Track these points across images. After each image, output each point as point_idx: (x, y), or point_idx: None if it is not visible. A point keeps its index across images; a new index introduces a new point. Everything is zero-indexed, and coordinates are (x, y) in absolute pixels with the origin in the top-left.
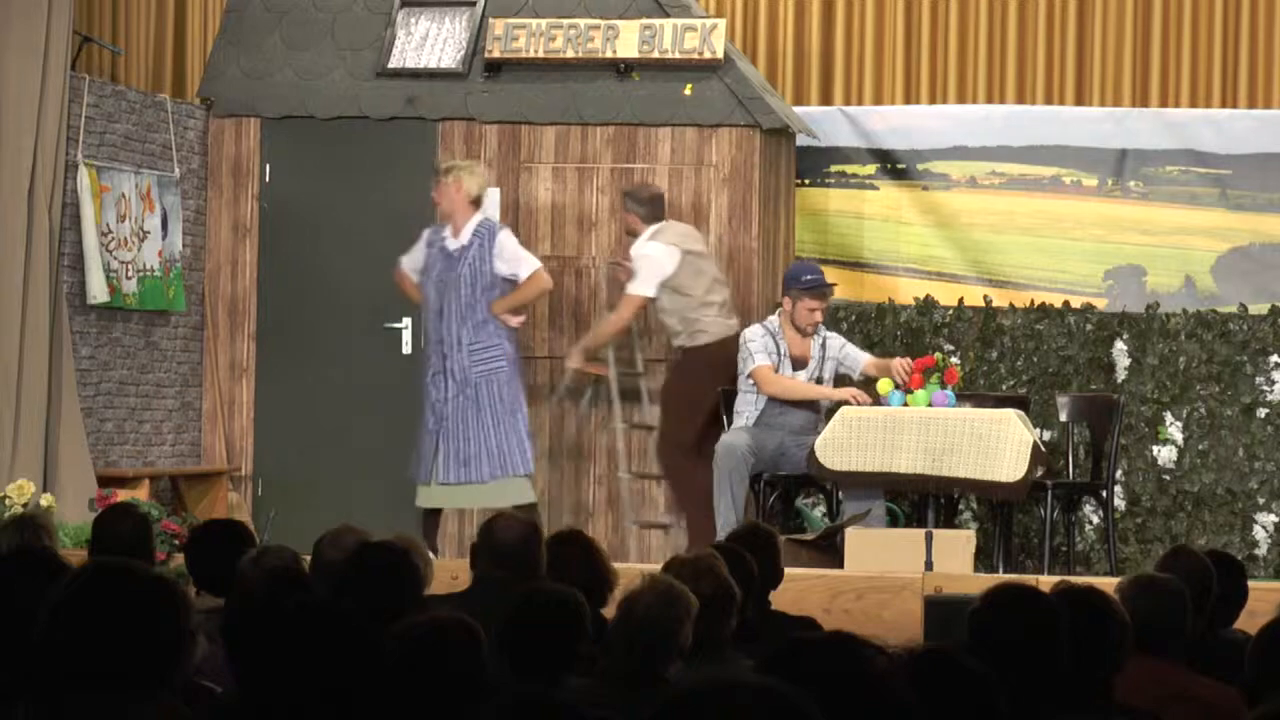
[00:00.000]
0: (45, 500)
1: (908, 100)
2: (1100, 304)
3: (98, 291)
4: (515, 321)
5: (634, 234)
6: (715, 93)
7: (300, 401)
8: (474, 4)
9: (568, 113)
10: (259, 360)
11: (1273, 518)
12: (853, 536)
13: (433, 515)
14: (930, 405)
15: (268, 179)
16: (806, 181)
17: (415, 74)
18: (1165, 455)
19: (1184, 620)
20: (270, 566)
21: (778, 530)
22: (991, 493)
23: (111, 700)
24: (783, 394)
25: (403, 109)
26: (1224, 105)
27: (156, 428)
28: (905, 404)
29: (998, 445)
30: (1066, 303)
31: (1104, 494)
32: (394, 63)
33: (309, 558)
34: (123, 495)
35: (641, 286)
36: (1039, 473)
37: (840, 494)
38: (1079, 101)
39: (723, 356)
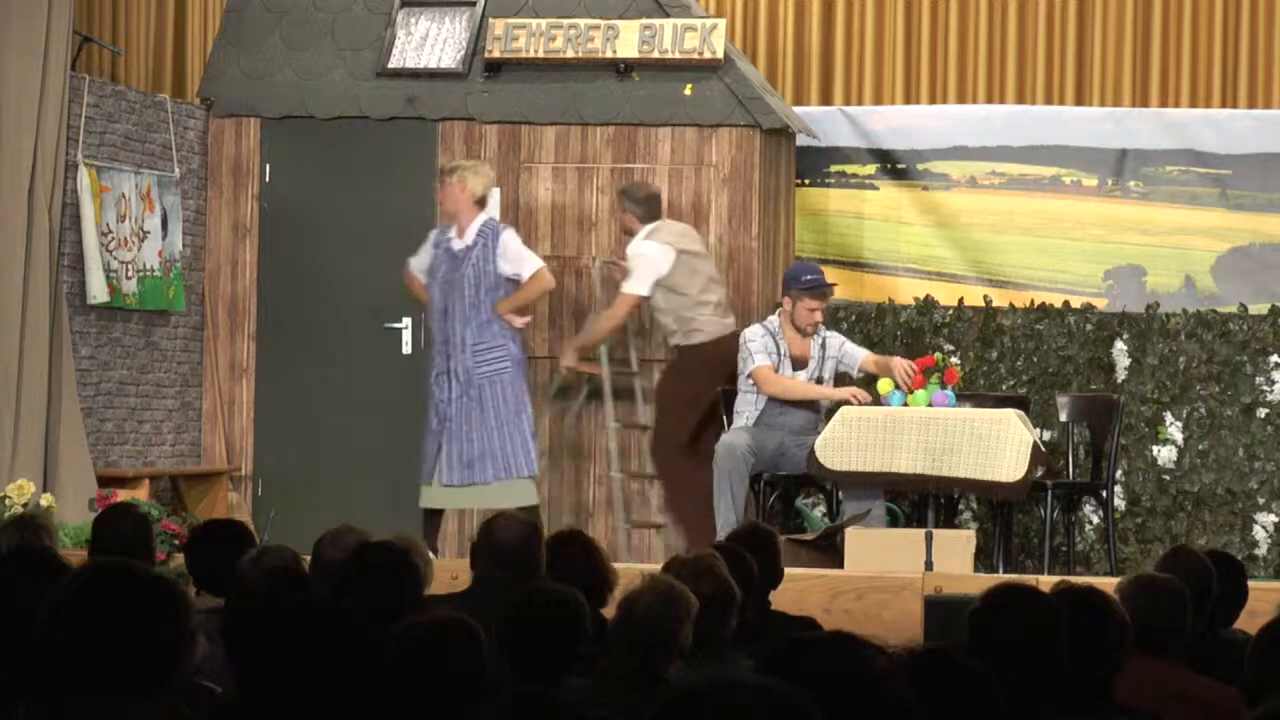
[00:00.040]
0: (45, 500)
1: (908, 100)
2: (1100, 304)
3: (98, 291)
4: (520, 322)
5: (630, 233)
6: (715, 93)
7: (300, 401)
8: (474, 4)
9: (568, 113)
10: (259, 360)
11: (1273, 518)
12: (853, 536)
13: (434, 516)
14: (930, 405)
15: (268, 179)
16: (806, 181)
17: (415, 74)
18: (1165, 455)
19: (1184, 620)
20: (270, 566)
21: (778, 530)
22: (991, 493)
23: (111, 700)
24: (783, 394)
25: (403, 109)
26: (1224, 105)
27: (156, 428)
28: (905, 404)
29: (998, 445)
30: (1066, 303)
31: (1104, 494)
32: (394, 63)
33: (309, 558)
34: (123, 495)
35: (636, 285)
36: (1039, 473)
37: (840, 494)
38: (1079, 101)
39: (718, 355)
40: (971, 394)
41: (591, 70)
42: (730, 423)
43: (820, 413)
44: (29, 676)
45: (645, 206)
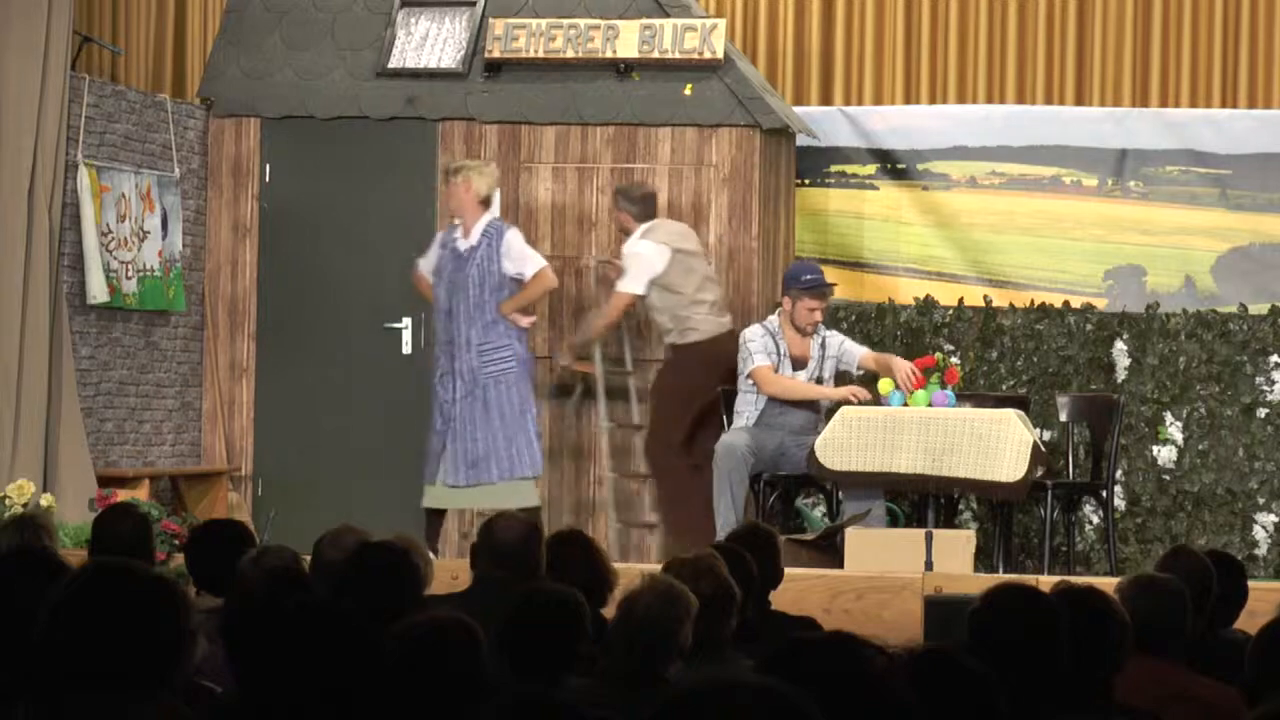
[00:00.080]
0: (45, 500)
1: (908, 100)
2: (1100, 304)
3: (98, 291)
4: (525, 321)
5: (627, 232)
6: (715, 93)
7: (300, 401)
8: (474, 4)
9: (568, 113)
10: (259, 360)
11: (1273, 518)
12: (853, 536)
13: (436, 516)
14: (930, 405)
15: (268, 179)
16: (806, 181)
17: (415, 74)
18: (1165, 455)
19: (1184, 620)
20: (270, 566)
21: (778, 530)
22: (991, 493)
23: (111, 700)
24: (783, 394)
25: (403, 109)
26: (1224, 105)
27: (156, 428)
28: (905, 404)
29: (998, 445)
30: (1066, 303)
31: (1104, 494)
32: (394, 63)
33: (309, 558)
34: (123, 495)
35: (631, 284)
36: (1039, 473)
37: (840, 494)
38: (1079, 101)
39: (714, 354)
40: (971, 394)
41: (591, 70)
42: (730, 423)
43: (820, 413)
44: (29, 676)
45: (641, 205)
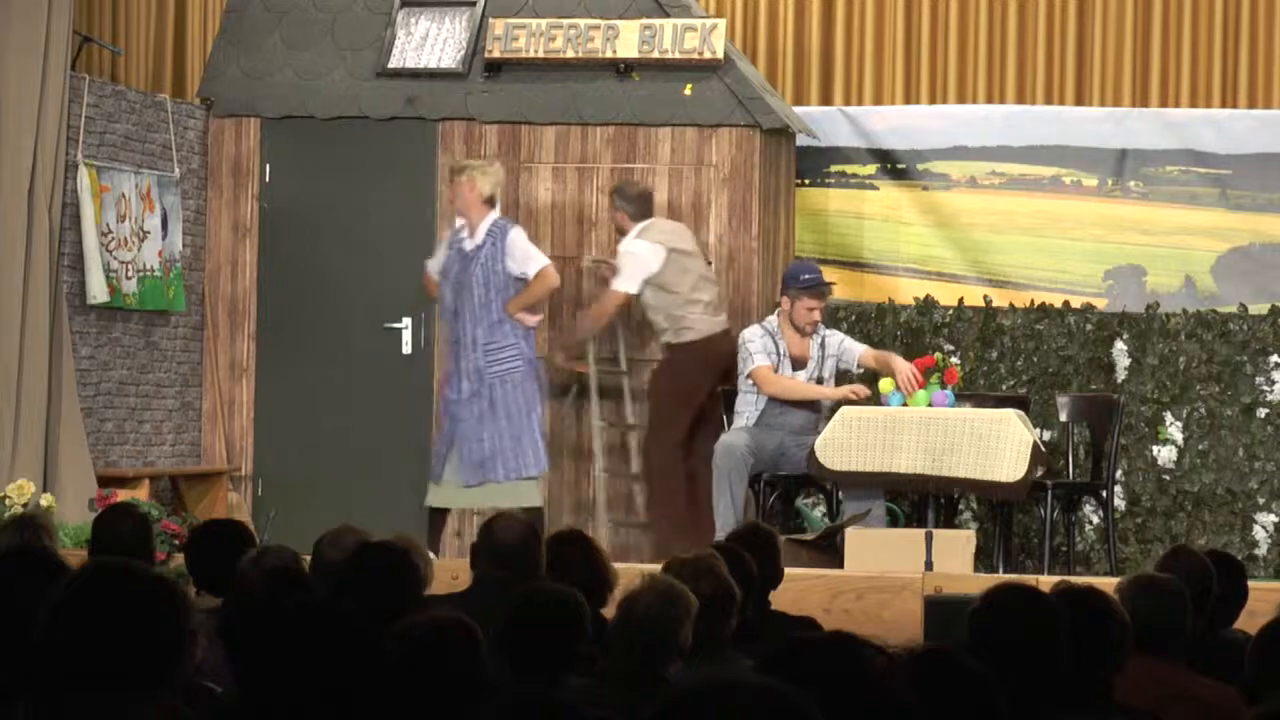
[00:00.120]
0: (45, 500)
1: (908, 100)
2: (1100, 304)
3: (98, 291)
4: (532, 321)
5: (623, 231)
6: (715, 93)
7: (300, 401)
8: (474, 4)
9: (568, 113)
10: (259, 360)
11: (1273, 518)
12: (853, 536)
13: (439, 515)
14: (930, 405)
15: (268, 179)
16: (806, 181)
17: (415, 74)
18: (1165, 455)
19: (1184, 620)
20: (270, 566)
21: (778, 530)
22: (991, 493)
23: (111, 700)
24: (783, 394)
25: (403, 109)
26: (1224, 105)
27: (156, 428)
28: (905, 404)
29: (998, 445)
30: (1066, 303)
31: (1104, 494)
32: (394, 63)
33: (309, 558)
34: (123, 495)
35: (625, 283)
36: (1039, 473)
37: (840, 494)
38: (1079, 101)
39: (710, 354)
40: (971, 394)
41: (591, 70)
42: (730, 423)
43: (821, 413)
44: (29, 676)
45: (637, 204)
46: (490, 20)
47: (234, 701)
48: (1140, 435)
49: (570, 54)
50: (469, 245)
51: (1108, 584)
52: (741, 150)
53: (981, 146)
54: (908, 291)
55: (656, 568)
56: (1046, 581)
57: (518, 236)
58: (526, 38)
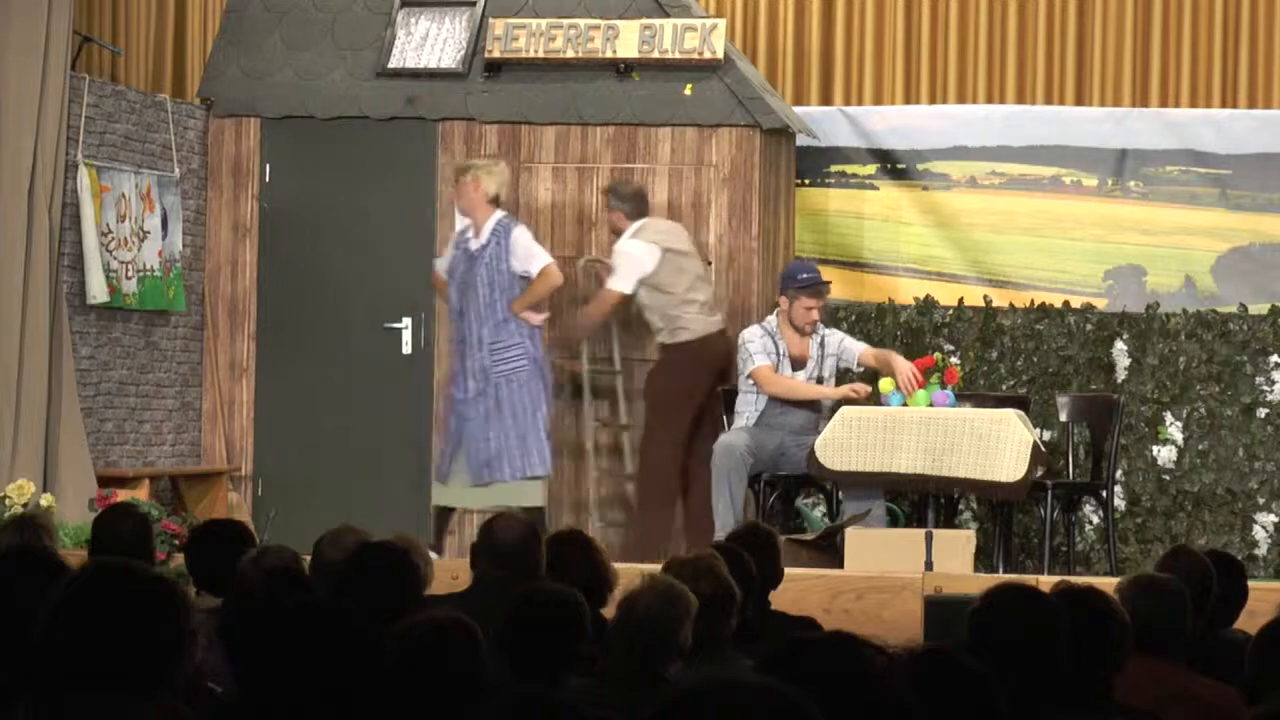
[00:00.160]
0: (45, 500)
1: (908, 100)
2: (1100, 304)
3: (98, 291)
4: (537, 319)
5: (619, 231)
6: (715, 93)
7: (300, 401)
8: (474, 4)
9: (568, 113)
10: (259, 360)
11: (1273, 518)
12: (853, 536)
13: (445, 514)
14: (930, 405)
15: (268, 179)
16: (806, 181)
17: (415, 74)
18: (1165, 455)
19: (1184, 620)
20: (270, 566)
21: (778, 530)
22: (991, 493)
23: (111, 700)
24: (784, 394)
25: (403, 109)
26: (1224, 105)
27: (156, 428)
28: (905, 404)
29: (998, 445)
30: (1066, 303)
31: (1104, 494)
32: (394, 63)
33: (309, 558)
34: (123, 495)
35: (619, 283)
36: (1039, 473)
37: (840, 494)
38: (1079, 101)
39: (705, 354)
40: (971, 394)
41: (591, 70)
42: (730, 423)
43: (821, 413)
44: (29, 676)
45: (632, 203)
46: (490, 20)
47: (234, 701)
48: (1140, 435)
49: (570, 54)
50: (474, 245)
51: (1108, 584)
52: (741, 150)
53: (981, 146)
54: (908, 291)
55: (657, 568)
56: (1046, 581)
57: (521, 235)
58: (526, 38)
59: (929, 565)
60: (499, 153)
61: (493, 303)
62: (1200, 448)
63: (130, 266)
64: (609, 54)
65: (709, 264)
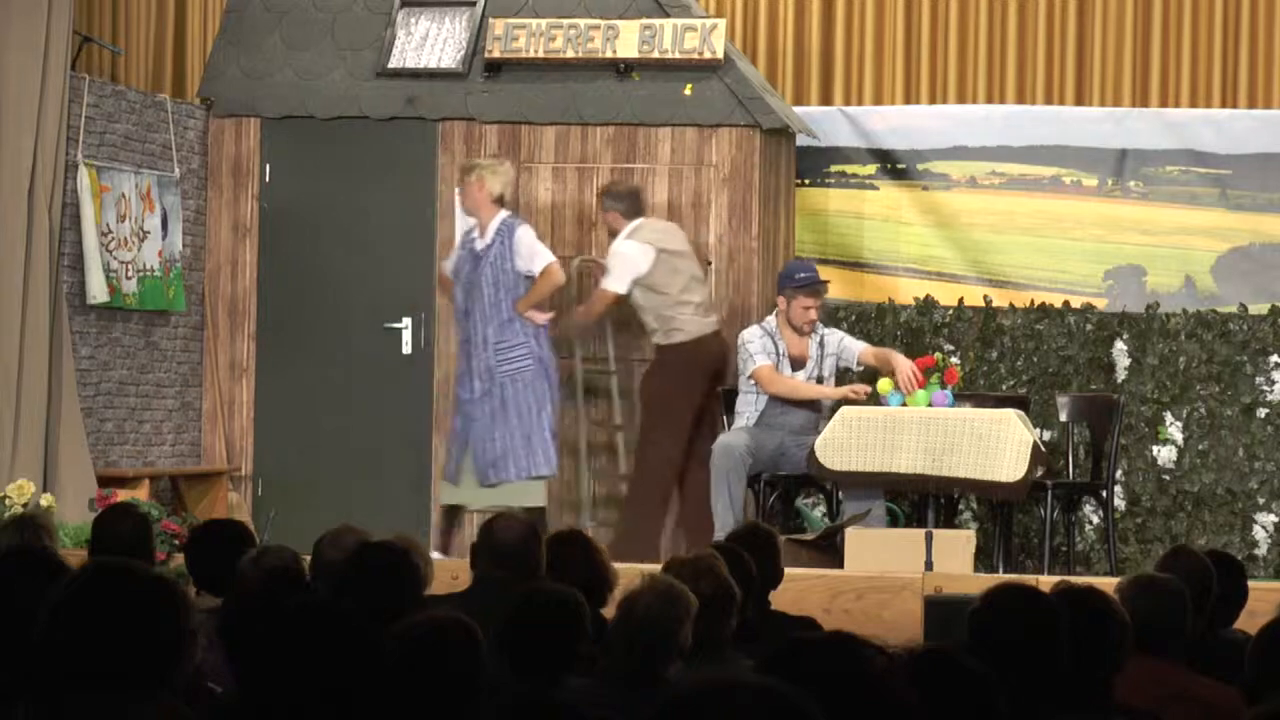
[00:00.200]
0: (45, 500)
1: (908, 100)
2: (1100, 304)
3: (98, 291)
4: (542, 318)
5: (616, 232)
6: (715, 93)
7: (300, 401)
8: (474, 4)
9: (568, 113)
10: (259, 360)
11: (1273, 518)
12: (853, 536)
13: (452, 513)
14: (930, 405)
15: (268, 179)
16: (806, 181)
17: (415, 74)
18: (1165, 455)
19: (1184, 620)
20: (270, 566)
21: (778, 530)
22: (991, 493)
23: (111, 700)
24: (786, 394)
25: (403, 109)
26: (1224, 105)
27: (156, 428)
28: (905, 404)
29: (998, 445)
30: (1066, 303)
31: (1104, 494)
32: (394, 63)
33: (309, 558)
34: (123, 495)
35: (613, 283)
36: (1039, 473)
37: (840, 494)
38: (1079, 101)
39: (700, 355)
40: (971, 394)
41: (591, 70)
42: (731, 423)
43: (821, 413)
44: (29, 676)
45: (628, 203)
46: (490, 20)
47: (234, 701)
48: (1140, 435)
49: (570, 54)
50: (479, 245)
51: (1108, 584)
52: (741, 150)
53: (981, 146)
54: (908, 291)
55: (657, 568)
56: (1046, 581)
57: (524, 234)
58: (526, 38)
59: (929, 565)
60: (499, 153)
61: (498, 302)
62: (1200, 448)
63: (130, 266)
64: (609, 54)
65: (709, 264)
